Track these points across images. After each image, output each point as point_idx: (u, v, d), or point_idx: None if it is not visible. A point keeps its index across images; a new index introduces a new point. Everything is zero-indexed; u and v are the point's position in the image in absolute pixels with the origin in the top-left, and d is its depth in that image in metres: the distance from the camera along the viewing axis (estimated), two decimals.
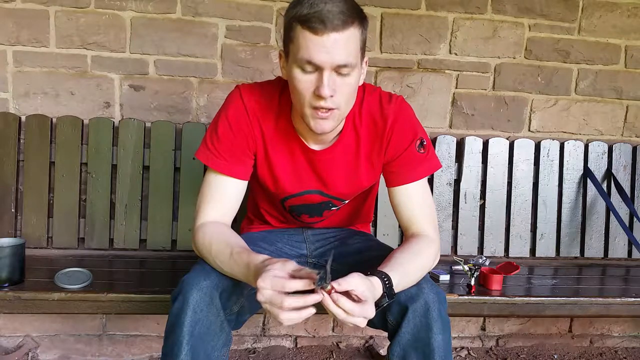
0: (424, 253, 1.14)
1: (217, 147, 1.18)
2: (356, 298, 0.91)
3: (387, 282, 1.00)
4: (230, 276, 1.07)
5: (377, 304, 0.98)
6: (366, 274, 0.97)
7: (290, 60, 1.06)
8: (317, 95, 1.03)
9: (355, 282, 0.91)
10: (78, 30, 1.81)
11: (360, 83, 1.13)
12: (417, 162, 1.22)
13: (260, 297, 0.89)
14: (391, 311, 1.09)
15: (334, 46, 0.99)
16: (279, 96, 1.20)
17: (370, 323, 1.17)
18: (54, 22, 1.80)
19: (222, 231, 1.14)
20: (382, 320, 1.11)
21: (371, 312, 0.92)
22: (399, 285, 1.03)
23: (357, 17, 1.02)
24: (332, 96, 1.03)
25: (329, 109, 1.05)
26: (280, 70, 1.13)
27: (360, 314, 0.90)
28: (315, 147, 1.22)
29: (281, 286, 0.88)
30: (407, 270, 1.07)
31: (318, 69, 1.01)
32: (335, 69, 1.01)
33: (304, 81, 1.03)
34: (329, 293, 0.88)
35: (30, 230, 1.77)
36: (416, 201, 1.22)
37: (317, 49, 0.99)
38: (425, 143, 1.23)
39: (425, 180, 1.24)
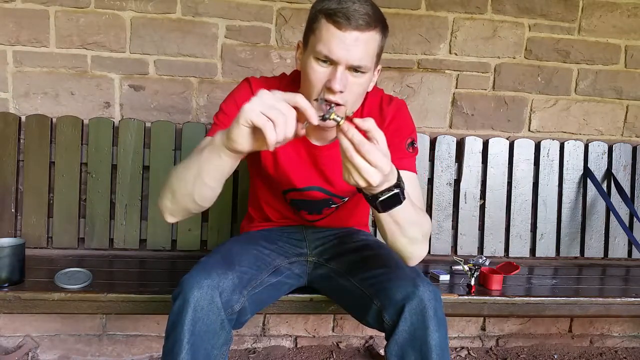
0: (421, 213, 1.13)
1: (222, 119, 1.19)
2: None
3: (399, 178, 0.97)
4: (191, 187, 1.01)
5: (384, 191, 0.95)
6: None
7: (308, 50, 1.10)
8: (328, 88, 1.06)
9: (378, 131, 0.89)
10: (78, 30, 1.81)
11: (370, 89, 1.17)
12: (404, 155, 1.23)
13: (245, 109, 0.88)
14: (387, 310, 1.09)
15: (354, 44, 1.03)
16: (284, 90, 1.21)
17: (366, 323, 1.18)
18: (54, 22, 1.80)
19: None
20: (379, 320, 1.12)
21: (387, 165, 0.88)
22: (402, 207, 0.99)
23: (380, 23, 1.07)
24: (342, 92, 1.06)
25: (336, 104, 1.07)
26: (295, 60, 1.17)
27: (375, 158, 0.86)
28: (317, 143, 1.25)
29: (275, 98, 0.87)
30: (410, 207, 1.04)
31: (333, 63, 1.05)
32: (350, 67, 1.05)
33: (317, 72, 1.07)
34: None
35: (30, 230, 1.76)
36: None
37: (337, 43, 1.03)
38: (415, 146, 1.26)
39: (413, 174, 1.23)
